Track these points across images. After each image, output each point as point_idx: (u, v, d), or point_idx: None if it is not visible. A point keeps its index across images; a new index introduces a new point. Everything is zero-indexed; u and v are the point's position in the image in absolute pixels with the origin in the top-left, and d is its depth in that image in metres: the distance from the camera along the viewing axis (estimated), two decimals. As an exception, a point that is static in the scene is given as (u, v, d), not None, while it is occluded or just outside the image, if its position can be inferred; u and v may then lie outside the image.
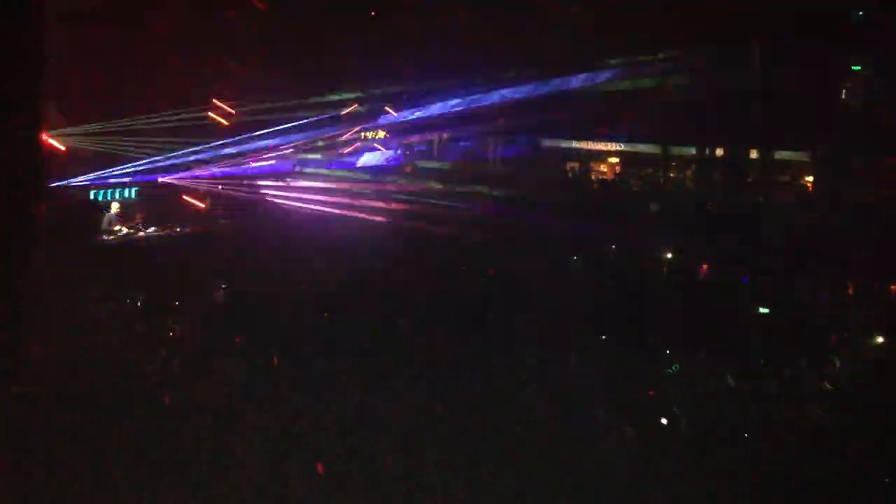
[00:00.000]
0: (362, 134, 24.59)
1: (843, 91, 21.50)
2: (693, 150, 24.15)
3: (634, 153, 27.12)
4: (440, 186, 21.04)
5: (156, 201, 19.04)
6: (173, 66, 19.57)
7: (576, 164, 27.91)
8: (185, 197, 19.29)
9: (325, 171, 22.19)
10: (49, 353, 9.62)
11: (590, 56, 19.96)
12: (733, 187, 21.76)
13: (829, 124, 20.29)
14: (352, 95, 20.94)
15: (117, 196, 18.33)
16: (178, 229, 18.60)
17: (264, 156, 20.85)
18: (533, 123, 22.55)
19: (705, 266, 15.66)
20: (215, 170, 19.92)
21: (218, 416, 8.38)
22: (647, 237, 16.91)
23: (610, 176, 27.18)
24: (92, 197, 18.02)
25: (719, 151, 22.55)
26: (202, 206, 19.44)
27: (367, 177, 22.40)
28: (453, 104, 21.17)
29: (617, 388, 9.24)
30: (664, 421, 8.53)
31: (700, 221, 18.55)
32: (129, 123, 18.91)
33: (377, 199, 20.14)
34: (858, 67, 21.00)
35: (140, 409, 8.42)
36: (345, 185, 21.25)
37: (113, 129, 18.88)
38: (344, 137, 22.80)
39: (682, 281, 14.40)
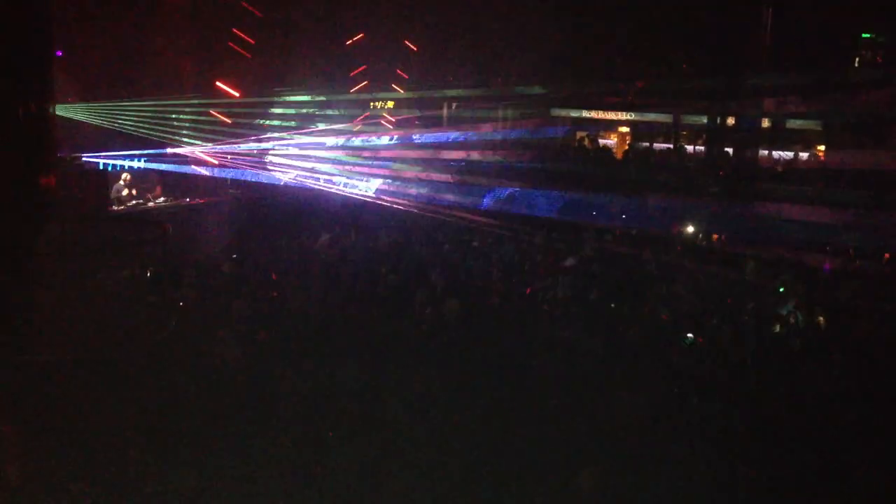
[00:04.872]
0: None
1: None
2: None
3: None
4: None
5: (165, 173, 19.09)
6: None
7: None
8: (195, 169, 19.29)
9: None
10: (59, 322, 9.68)
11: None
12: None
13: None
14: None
15: (126, 167, 18.36)
16: (188, 200, 18.63)
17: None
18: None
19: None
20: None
21: (228, 387, 8.44)
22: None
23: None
24: (102, 168, 18.05)
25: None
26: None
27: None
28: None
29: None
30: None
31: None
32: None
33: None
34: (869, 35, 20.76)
35: (150, 378, 8.48)
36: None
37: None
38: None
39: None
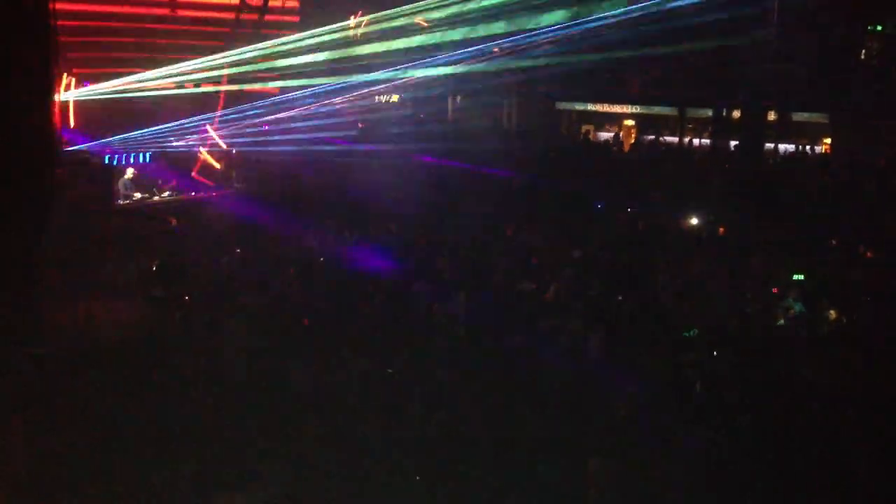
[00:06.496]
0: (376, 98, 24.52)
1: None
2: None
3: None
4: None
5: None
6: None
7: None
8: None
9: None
10: (65, 315, 9.71)
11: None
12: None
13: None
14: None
15: (132, 161, 18.33)
16: (193, 194, 18.60)
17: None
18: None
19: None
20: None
21: (229, 380, 8.46)
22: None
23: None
24: (106, 161, 18.01)
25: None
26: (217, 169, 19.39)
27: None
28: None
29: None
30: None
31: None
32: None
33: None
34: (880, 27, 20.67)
35: (154, 371, 8.51)
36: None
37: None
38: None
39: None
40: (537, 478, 7.11)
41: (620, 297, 11.34)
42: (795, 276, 11.79)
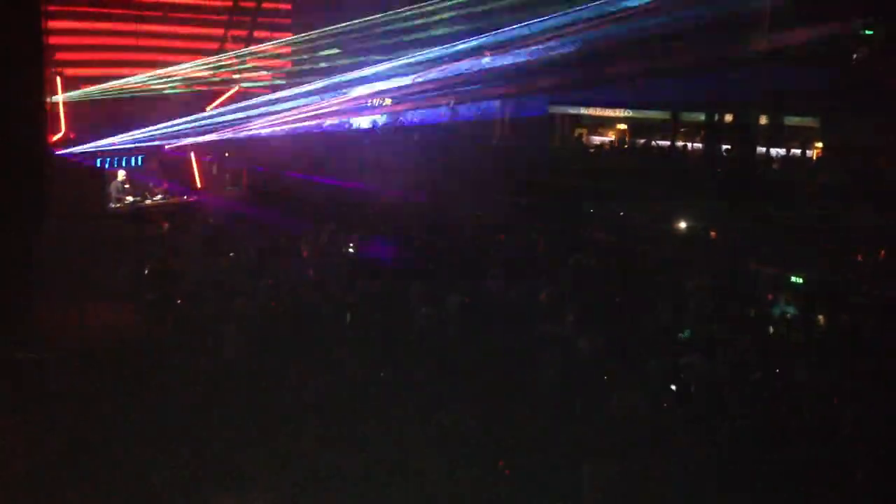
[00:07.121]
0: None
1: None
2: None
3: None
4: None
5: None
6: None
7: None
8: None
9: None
10: (60, 318, 9.67)
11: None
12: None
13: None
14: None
15: (123, 164, 18.22)
16: (185, 198, 18.53)
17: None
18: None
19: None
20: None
21: (221, 382, 8.44)
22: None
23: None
24: (98, 165, 17.90)
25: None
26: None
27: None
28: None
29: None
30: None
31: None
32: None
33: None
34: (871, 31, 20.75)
35: (147, 374, 8.47)
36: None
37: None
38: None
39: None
40: (536, 479, 7.10)
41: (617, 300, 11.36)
42: (793, 279, 11.83)
